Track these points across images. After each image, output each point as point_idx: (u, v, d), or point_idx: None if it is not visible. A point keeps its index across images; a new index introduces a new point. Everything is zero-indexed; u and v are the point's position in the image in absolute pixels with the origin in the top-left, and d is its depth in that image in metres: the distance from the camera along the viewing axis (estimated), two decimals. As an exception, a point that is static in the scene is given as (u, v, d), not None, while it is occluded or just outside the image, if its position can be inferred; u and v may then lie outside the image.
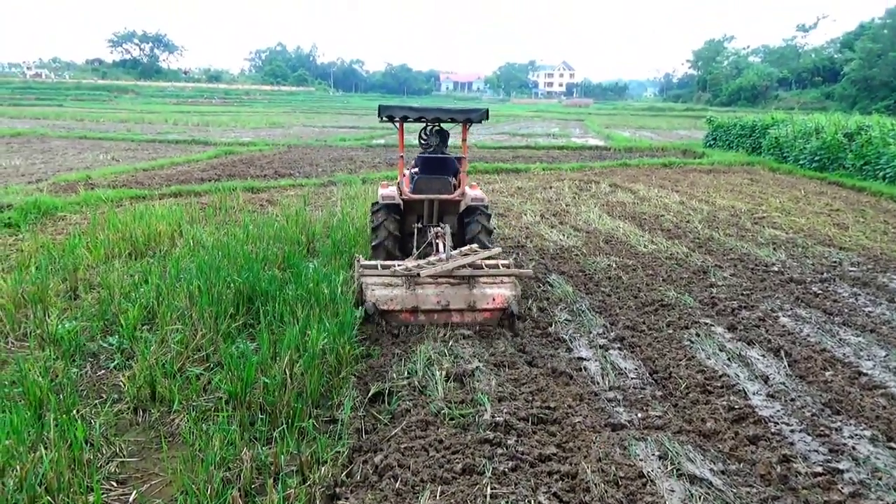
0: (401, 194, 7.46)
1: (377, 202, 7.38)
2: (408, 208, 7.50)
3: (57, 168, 16.77)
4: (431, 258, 6.34)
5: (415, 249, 7.21)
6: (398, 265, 6.20)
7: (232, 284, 6.28)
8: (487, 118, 7.33)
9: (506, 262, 6.52)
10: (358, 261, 6.41)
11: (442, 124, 8.06)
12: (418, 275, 5.90)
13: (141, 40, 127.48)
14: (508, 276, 6.20)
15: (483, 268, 6.24)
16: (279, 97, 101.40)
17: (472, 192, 7.54)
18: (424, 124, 8.03)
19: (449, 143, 8.25)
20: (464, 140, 7.77)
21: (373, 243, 7.32)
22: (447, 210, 7.55)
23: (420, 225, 7.49)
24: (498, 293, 6.07)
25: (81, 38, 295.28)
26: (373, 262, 6.36)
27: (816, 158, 19.04)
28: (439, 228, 7.20)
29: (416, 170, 8.04)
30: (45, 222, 10.25)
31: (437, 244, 6.96)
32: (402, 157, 7.99)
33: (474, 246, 6.60)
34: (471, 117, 7.20)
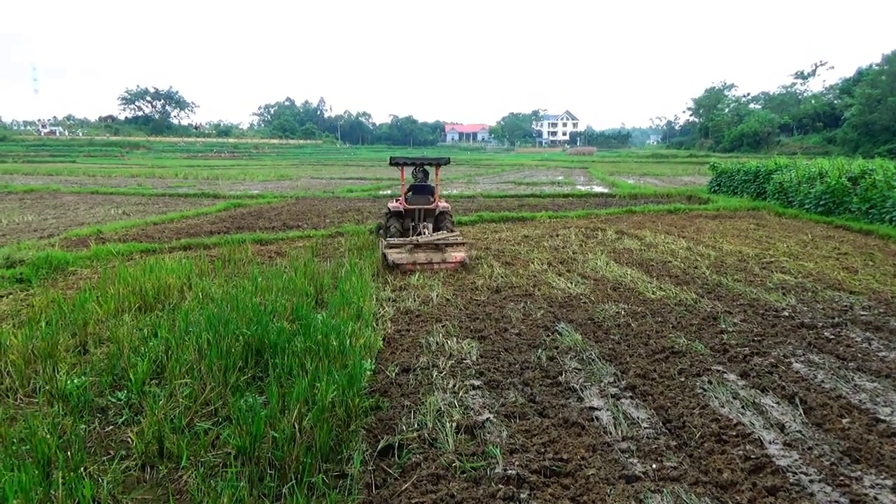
0: (401, 206, 12.35)
1: (389, 211, 12.53)
2: (406, 214, 12.45)
3: (69, 223, 17.04)
4: (421, 237, 11.50)
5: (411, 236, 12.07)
6: (405, 241, 11.16)
7: (241, 337, 6.28)
8: (449, 163, 12.80)
9: (461, 239, 11.52)
10: (381, 240, 12.18)
11: (426, 167, 13.24)
12: (417, 242, 11.00)
13: (153, 97, 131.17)
14: (462, 244, 11.34)
15: (448, 241, 11.29)
16: (287, 150, 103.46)
17: (442, 204, 12.58)
18: (414, 166, 13.17)
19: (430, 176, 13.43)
20: (437, 175, 13.31)
21: (386, 233, 12.36)
22: (428, 214, 12.45)
23: (413, 224, 12.40)
24: (458, 254, 11.17)
25: (95, 97, 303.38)
26: (391, 240, 11.29)
27: (822, 202, 19.08)
28: (423, 224, 12.18)
29: (411, 193, 12.68)
30: (57, 277, 10.35)
31: (422, 232, 11.92)
32: (403, 184, 13.27)
33: (443, 231, 11.90)
34: (440, 162, 12.63)
